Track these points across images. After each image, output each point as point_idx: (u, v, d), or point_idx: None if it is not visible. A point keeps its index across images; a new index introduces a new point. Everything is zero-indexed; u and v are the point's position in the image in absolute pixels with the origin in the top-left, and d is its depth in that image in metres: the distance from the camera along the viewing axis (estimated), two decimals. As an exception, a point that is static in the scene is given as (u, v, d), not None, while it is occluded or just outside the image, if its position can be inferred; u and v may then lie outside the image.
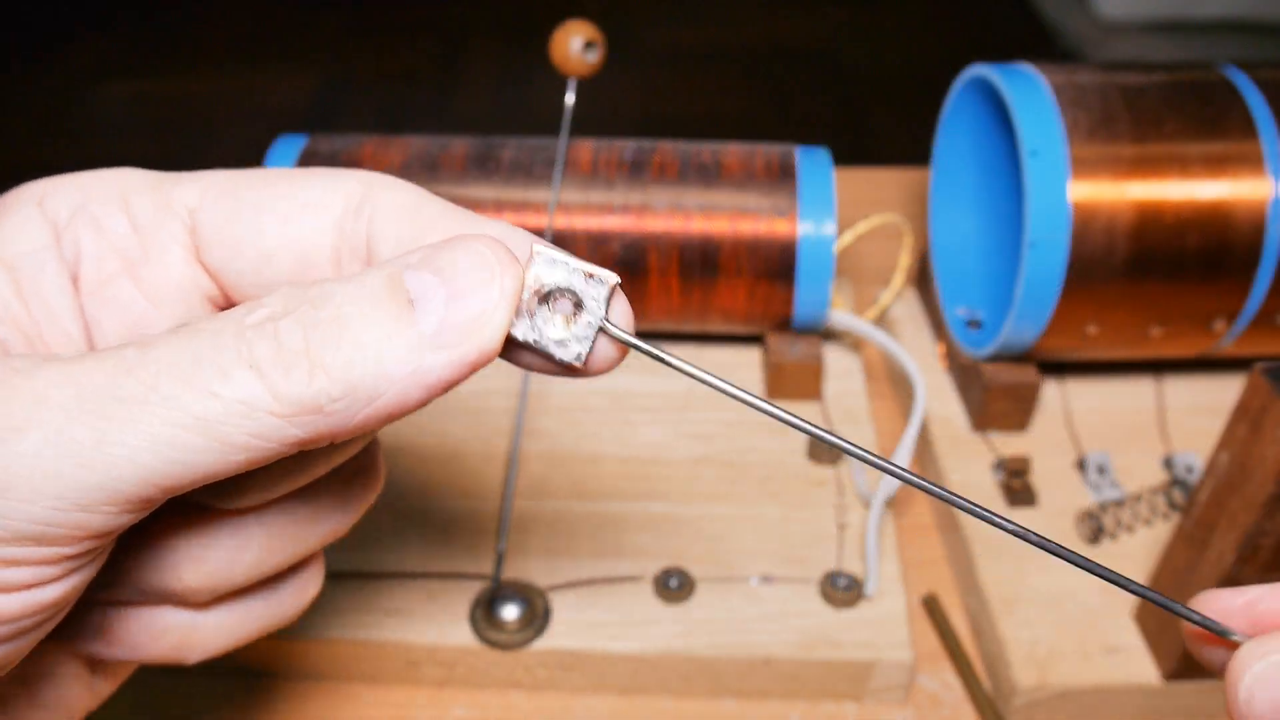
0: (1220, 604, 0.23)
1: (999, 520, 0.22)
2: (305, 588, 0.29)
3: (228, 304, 0.27)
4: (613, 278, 0.23)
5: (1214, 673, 0.24)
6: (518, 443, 0.47)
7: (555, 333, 0.23)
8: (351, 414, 0.21)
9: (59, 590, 0.21)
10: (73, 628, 0.26)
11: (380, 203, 0.24)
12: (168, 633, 0.26)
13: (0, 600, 0.21)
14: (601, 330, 0.23)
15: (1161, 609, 0.23)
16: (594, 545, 0.45)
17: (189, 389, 0.20)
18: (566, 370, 0.24)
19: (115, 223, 0.25)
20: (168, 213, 0.25)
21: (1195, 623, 0.23)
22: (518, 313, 0.23)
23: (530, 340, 0.23)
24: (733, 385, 0.23)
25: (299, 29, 2.24)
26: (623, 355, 0.24)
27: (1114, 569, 0.45)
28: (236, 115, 1.95)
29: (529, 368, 0.24)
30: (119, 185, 0.25)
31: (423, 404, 0.22)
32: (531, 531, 0.45)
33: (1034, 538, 0.22)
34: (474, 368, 0.22)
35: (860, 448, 0.23)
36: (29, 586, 0.21)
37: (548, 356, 0.23)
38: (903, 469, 0.23)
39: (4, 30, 2.23)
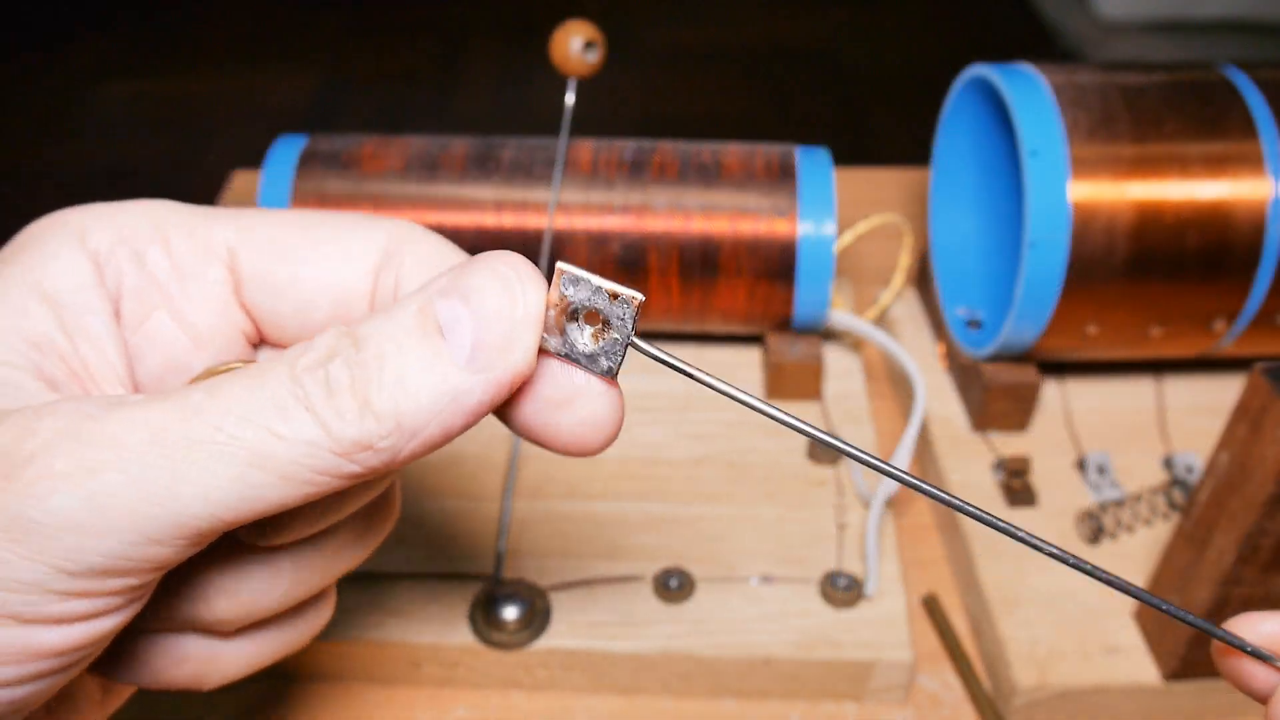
0: (1264, 629, 0.23)
1: (1001, 524, 0.22)
2: (320, 613, 0.29)
3: (261, 342, 0.28)
4: (638, 296, 0.23)
5: (1249, 693, 0.24)
6: (518, 443, 0.47)
7: (585, 347, 0.23)
8: (400, 447, 0.22)
9: (117, 620, 0.22)
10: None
11: (409, 252, 0.26)
12: (189, 660, 0.27)
13: (62, 631, 0.21)
14: (630, 345, 0.23)
15: (1177, 619, 0.23)
16: (594, 545, 0.45)
17: (253, 429, 0.21)
18: (584, 438, 0.24)
19: (156, 260, 0.26)
20: (208, 252, 0.26)
21: (1230, 643, 0.23)
22: (547, 329, 0.23)
23: (562, 353, 0.23)
24: (775, 407, 0.23)
25: (299, 29, 2.24)
26: (619, 414, 0.24)
27: (1114, 569, 0.45)
28: (236, 115, 1.95)
29: (549, 443, 0.24)
30: (157, 220, 0.26)
31: (467, 428, 0.23)
32: (531, 531, 0.45)
33: (1049, 548, 0.22)
34: (511, 387, 0.23)
35: (884, 460, 0.23)
36: (92, 617, 0.22)
37: (581, 367, 0.24)
38: (907, 474, 0.23)
39: (4, 30, 2.23)
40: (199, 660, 0.27)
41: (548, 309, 0.23)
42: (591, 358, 0.23)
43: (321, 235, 0.26)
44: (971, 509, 0.22)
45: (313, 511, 0.26)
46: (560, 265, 0.23)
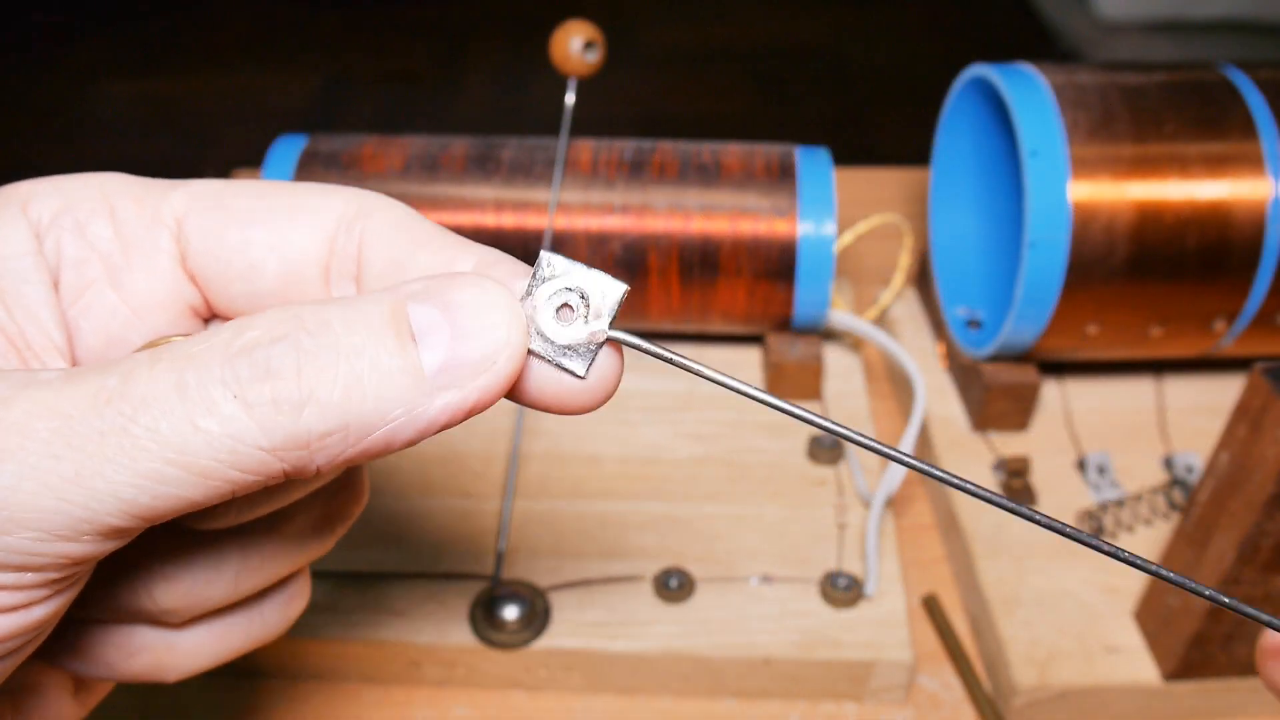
0: None
1: (1009, 504, 0.22)
2: (289, 605, 0.28)
3: (211, 315, 0.26)
4: (621, 286, 0.22)
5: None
6: (518, 443, 0.47)
7: (562, 339, 0.23)
8: (339, 450, 0.20)
9: (44, 611, 0.21)
10: (52, 644, 0.25)
11: (371, 219, 0.24)
12: (144, 651, 0.26)
13: None
14: (609, 340, 0.23)
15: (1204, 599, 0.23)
16: (594, 545, 0.45)
17: (171, 422, 0.19)
18: (569, 401, 0.23)
19: (99, 228, 0.25)
20: (155, 220, 0.25)
21: (1251, 616, 0.22)
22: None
23: (536, 350, 0.23)
24: (754, 387, 0.23)
25: (299, 29, 2.24)
26: (618, 379, 0.23)
27: (1114, 569, 0.45)
28: (236, 115, 1.95)
29: (530, 404, 0.23)
30: (104, 190, 0.25)
31: (412, 444, 0.21)
32: (531, 531, 0.45)
33: (1065, 528, 0.22)
34: (472, 412, 0.21)
35: (887, 445, 0.23)
36: (14, 609, 0.21)
37: (555, 365, 0.23)
38: (913, 457, 0.23)
39: (4, 30, 2.23)
40: (155, 651, 0.26)
41: (527, 296, 0.23)
42: (567, 351, 0.23)
43: (272, 202, 0.25)
44: (977, 489, 0.22)
45: (246, 498, 0.24)
46: (544, 253, 0.23)
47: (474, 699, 0.42)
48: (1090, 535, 0.21)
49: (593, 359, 0.23)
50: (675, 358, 0.23)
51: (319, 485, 0.26)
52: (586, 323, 0.22)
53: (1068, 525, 0.22)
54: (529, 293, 0.23)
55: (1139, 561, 0.22)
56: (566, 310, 0.23)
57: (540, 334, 0.23)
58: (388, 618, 0.42)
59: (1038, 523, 0.22)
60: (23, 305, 0.24)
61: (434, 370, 0.21)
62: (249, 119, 1.93)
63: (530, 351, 0.23)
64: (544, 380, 0.23)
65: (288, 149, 0.51)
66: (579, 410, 0.23)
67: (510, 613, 0.41)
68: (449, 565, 0.44)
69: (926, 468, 0.22)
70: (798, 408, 0.23)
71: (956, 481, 0.22)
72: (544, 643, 0.41)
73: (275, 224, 0.24)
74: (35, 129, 1.93)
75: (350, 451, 0.20)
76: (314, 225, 0.24)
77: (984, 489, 0.22)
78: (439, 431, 0.21)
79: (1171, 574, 0.21)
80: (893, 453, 0.22)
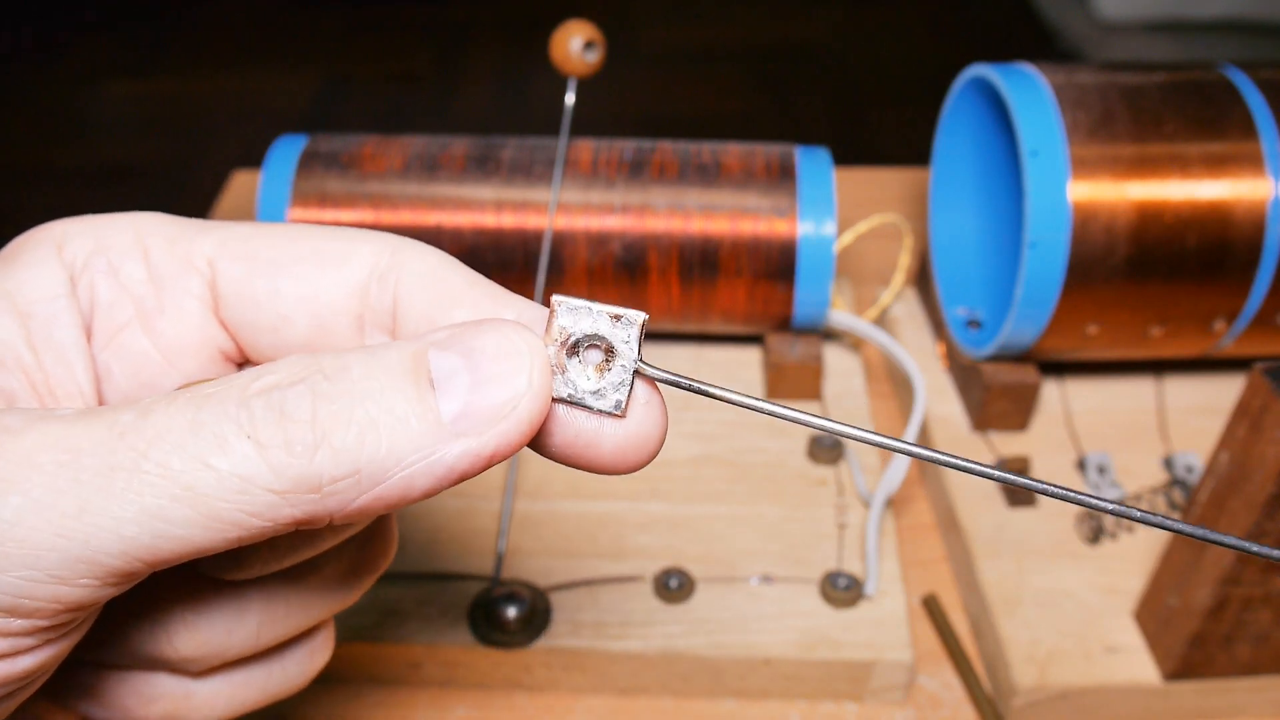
0: None
1: (1022, 480, 0.21)
2: (312, 658, 0.27)
3: (245, 362, 0.26)
4: (640, 315, 0.22)
5: None
6: (518, 443, 0.47)
7: (589, 384, 0.22)
8: (351, 497, 0.20)
9: (34, 660, 0.20)
10: (65, 686, 0.25)
11: (405, 269, 0.24)
12: (161, 699, 0.25)
13: None
14: (637, 373, 0.22)
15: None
16: (594, 545, 0.45)
17: (182, 458, 0.19)
18: (604, 453, 0.22)
19: (133, 272, 0.25)
20: (187, 265, 0.25)
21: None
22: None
23: (564, 395, 0.22)
24: (793, 409, 0.22)
25: (299, 29, 2.24)
26: (660, 425, 0.23)
27: (1114, 569, 0.45)
28: (236, 115, 1.95)
29: (564, 459, 0.23)
30: (139, 230, 0.25)
31: (431, 494, 0.20)
32: (531, 531, 0.45)
33: (1076, 495, 0.21)
34: (492, 461, 0.21)
35: (914, 445, 0.22)
36: (1, 656, 0.20)
37: (586, 408, 0.22)
38: (922, 446, 0.22)
39: (4, 30, 2.23)
40: (172, 700, 0.25)
41: (547, 346, 0.22)
42: (598, 394, 0.22)
43: (304, 248, 0.24)
44: (983, 468, 0.21)
45: (273, 548, 0.24)
46: (556, 297, 0.22)
47: (474, 699, 0.42)
48: (1102, 499, 0.21)
49: (627, 394, 0.22)
50: (712, 389, 0.22)
51: (346, 536, 0.26)
52: (611, 360, 0.22)
53: (1070, 489, 0.21)
54: (550, 339, 0.22)
55: (1146, 516, 0.21)
56: (593, 351, 0.22)
57: (568, 381, 0.22)
58: (388, 618, 0.42)
59: (1041, 491, 0.21)
60: (53, 349, 0.23)
61: (452, 417, 0.20)
62: (249, 119, 1.93)
63: (556, 398, 0.22)
64: (573, 431, 0.22)
65: (288, 149, 0.51)
66: (618, 465, 0.23)
67: (510, 613, 0.41)
68: (449, 565, 0.44)
69: (933, 454, 0.22)
70: (858, 429, 0.22)
71: (965, 464, 0.22)
72: (544, 643, 0.41)
73: (303, 274, 0.24)
74: (35, 129, 1.93)
75: (365, 499, 0.20)
76: (344, 275, 0.24)
77: (988, 466, 0.22)
78: (460, 480, 0.20)
79: (1184, 525, 0.21)
80: (916, 449, 0.22)
